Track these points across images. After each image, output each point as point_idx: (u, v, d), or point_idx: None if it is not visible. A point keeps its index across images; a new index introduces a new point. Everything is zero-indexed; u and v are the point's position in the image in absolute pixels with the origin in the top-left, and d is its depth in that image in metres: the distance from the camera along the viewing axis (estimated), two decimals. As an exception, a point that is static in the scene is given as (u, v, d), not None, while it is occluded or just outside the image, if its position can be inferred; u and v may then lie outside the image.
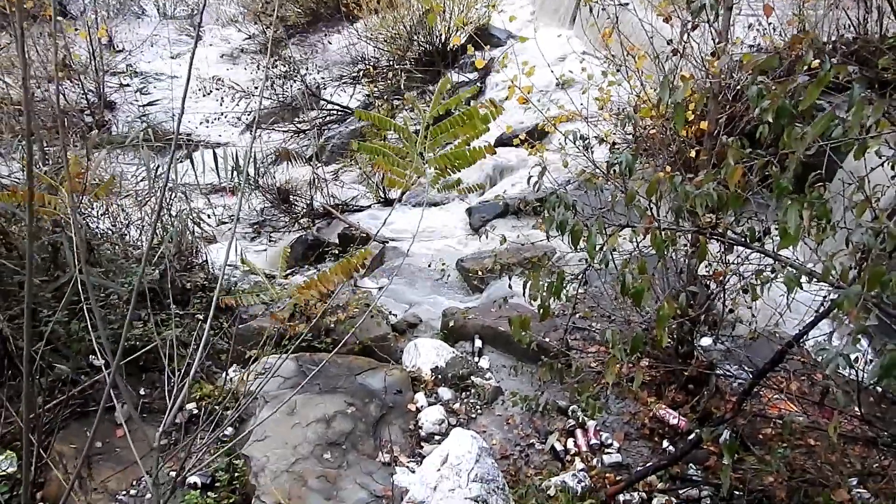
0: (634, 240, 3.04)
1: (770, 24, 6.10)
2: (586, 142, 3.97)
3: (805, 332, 3.31)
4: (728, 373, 4.28)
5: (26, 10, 10.53)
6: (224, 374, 4.77)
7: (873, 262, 2.28)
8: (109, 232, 6.16)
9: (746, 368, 4.15)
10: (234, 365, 5.02)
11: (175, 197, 6.50)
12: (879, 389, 4.01)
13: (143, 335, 4.70)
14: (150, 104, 11.46)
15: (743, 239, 3.07)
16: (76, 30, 11.37)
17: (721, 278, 3.90)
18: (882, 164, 2.74)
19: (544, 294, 2.98)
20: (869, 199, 2.42)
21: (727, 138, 2.38)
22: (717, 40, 3.63)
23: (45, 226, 5.13)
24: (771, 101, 2.45)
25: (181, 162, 8.90)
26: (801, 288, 2.64)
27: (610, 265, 2.86)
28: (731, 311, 4.10)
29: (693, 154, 4.25)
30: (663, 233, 3.07)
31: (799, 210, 2.39)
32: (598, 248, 2.92)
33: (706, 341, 4.05)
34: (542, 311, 2.93)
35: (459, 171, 3.35)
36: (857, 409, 3.42)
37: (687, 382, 4.42)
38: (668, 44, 3.91)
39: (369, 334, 5.14)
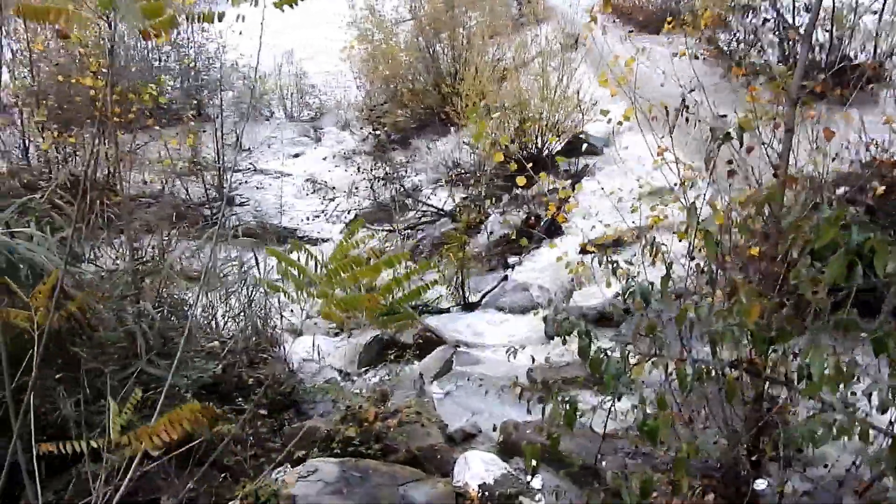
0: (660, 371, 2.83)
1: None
2: (665, 254, 3.82)
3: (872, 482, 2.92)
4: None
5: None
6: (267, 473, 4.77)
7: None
8: (196, 322, 6.48)
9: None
10: (286, 464, 5.03)
11: (258, 289, 6.74)
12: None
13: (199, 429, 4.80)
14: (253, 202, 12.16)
15: (788, 379, 2.79)
16: (204, 131, 12.40)
17: (783, 413, 3.54)
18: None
19: (559, 423, 2.81)
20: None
21: (740, 276, 2.20)
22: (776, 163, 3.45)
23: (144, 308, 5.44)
24: (795, 237, 2.26)
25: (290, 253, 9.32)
26: (858, 437, 2.34)
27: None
28: (799, 450, 3.69)
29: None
30: (695, 366, 2.85)
31: (824, 356, 2.15)
32: (617, 378, 2.75)
33: (761, 485, 3.65)
34: (551, 441, 2.75)
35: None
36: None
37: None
38: (727, 163, 3.74)
39: (420, 443, 5.01)
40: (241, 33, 13.18)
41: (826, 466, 4.06)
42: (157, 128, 9.36)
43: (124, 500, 4.44)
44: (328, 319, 7.32)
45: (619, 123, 4.57)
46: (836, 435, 2.14)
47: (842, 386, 2.31)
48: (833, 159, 6.01)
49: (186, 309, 6.50)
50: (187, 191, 11.55)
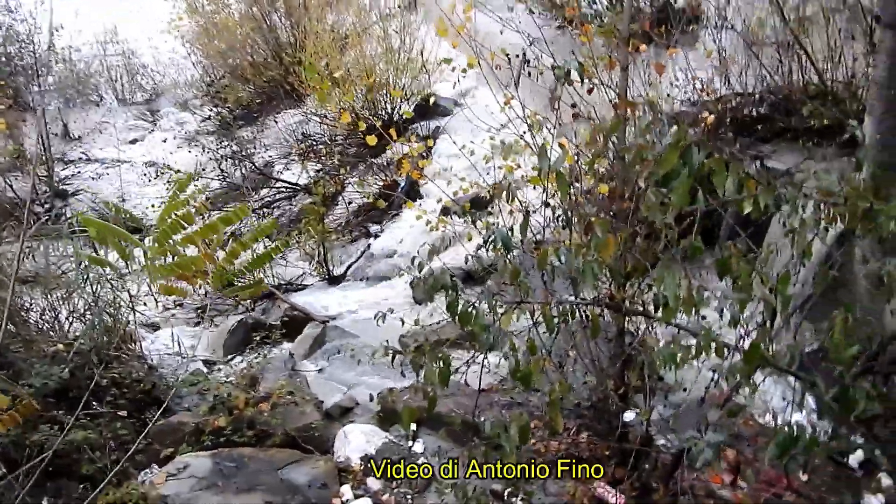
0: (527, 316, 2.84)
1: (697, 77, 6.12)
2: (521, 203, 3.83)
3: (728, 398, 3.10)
4: (667, 445, 4.04)
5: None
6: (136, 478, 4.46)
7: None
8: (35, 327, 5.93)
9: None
10: (153, 465, 4.73)
11: (103, 286, 6.24)
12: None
13: (47, 440, 4.39)
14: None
15: (643, 308, 2.89)
16: (24, 121, 11.32)
17: (644, 345, 3.70)
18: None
19: (434, 382, 2.76)
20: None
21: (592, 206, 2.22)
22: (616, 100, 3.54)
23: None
24: (642, 166, 2.30)
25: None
26: (714, 355, 2.44)
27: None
28: (660, 378, 3.90)
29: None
30: (560, 307, 2.88)
31: (677, 280, 2.21)
32: (487, 329, 2.73)
33: (629, 415, 3.81)
34: (429, 402, 2.71)
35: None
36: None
37: (625, 457, 4.17)
38: (571, 107, 3.80)
39: (295, 423, 4.86)
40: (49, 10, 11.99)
41: (685, 390, 4.30)
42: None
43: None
44: (169, 294, 6.88)
45: (464, 71, 4.54)
46: (694, 355, 2.23)
47: (694, 310, 2.41)
48: (666, 97, 6.33)
49: (24, 314, 5.96)
50: (11, 187, 10.52)
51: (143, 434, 4.81)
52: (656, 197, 2.07)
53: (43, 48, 14.35)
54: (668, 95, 6.26)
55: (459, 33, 3.86)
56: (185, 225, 3.17)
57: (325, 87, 4.69)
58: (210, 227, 3.35)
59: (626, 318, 3.55)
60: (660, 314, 2.73)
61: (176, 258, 4.02)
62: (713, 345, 2.18)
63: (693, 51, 7.20)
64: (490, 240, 2.66)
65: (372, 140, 5.28)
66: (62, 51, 14.69)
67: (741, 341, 2.51)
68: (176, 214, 3.86)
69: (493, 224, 3.32)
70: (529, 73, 5.78)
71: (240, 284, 7.02)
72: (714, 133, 4.70)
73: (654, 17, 4.16)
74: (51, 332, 5.85)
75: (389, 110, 10.13)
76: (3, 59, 14.12)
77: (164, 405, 5.21)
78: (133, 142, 13.87)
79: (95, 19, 16.12)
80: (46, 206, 11.03)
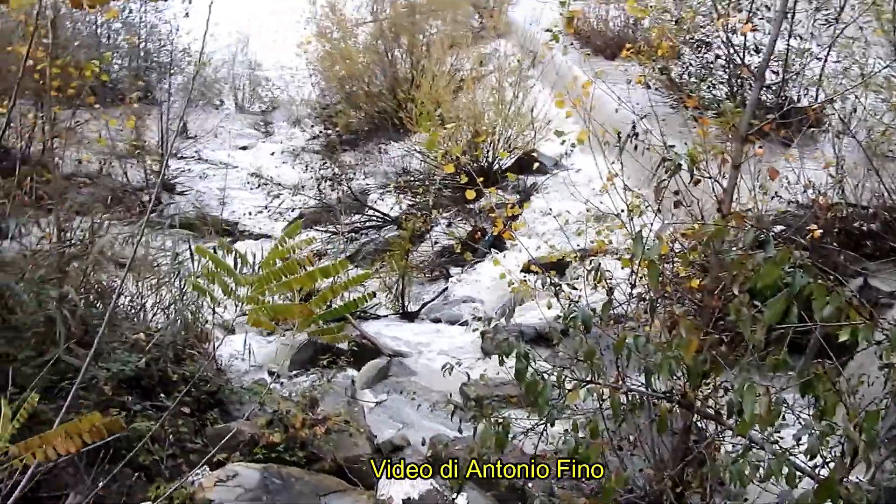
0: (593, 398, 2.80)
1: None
2: (609, 280, 3.81)
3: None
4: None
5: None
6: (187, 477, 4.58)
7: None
8: (123, 311, 6.20)
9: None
10: (205, 467, 4.84)
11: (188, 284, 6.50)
12: None
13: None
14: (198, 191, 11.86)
15: (715, 412, 2.81)
16: (149, 115, 12.04)
17: (710, 446, 3.57)
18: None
19: (489, 445, 2.75)
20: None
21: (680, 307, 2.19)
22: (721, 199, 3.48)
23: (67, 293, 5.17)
24: (737, 274, 2.26)
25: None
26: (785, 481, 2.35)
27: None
28: (721, 483, 3.73)
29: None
30: (629, 395, 2.84)
31: (757, 395, 2.15)
32: (550, 405, 2.72)
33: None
34: (486, 466, 2.70)
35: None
36: None
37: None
38: (674, 193, 3.77)
39: (346, 452, 4.90)
40: (186, 15, 12.75)
41: (746, 501, 4.11)
42: (98, 106, 8.98)
43: (25, 497, 4.22)
44: (257, 326, 7.05)
45: (573, 146, 4.57)
46: (763, 477, 2.14)
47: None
48: (773, 198, 6.17)
49: (114, 297, 6.25)
50: (126, 174, 11.16)
51: (201, 435, 4.98)
52: (747, 309, 2.03)
53: (179, 49, 15.31)
54: (777, 194, 6.11)
55: (575, 106, 3.90)
56: (288, 273, 3.36)
57: (435, 137, 4.80)
58: (309, 277, 3.49)
59: (696, 417, 3.45)
60: (732, 422, 2.65)
61: (273, 303, 4.21)
62: (786, 469, 2.09)
63: (809, 150, 7.03)
64: (571, 317, 2.65)
65: (471, 194, 5.37)
66: (196, 54, 15.64)
67: (818, 471, 2.40)
68: (282, 261, 4.01)
69: (576, 299, 3.30)
70: (636, 147, 5.77)
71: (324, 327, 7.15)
72: (818, 241, 4.54)
73: (775, 116, 4.08)
74: (135, 319, 6.12)
75: (490, 159, 10.26)
76: (143, 54, 15.13)
77: (223, 410, 5.39)
78: (243, 148, 14.56)
79: (232, 31, 17.15)
80: (153, 196, 11.64)
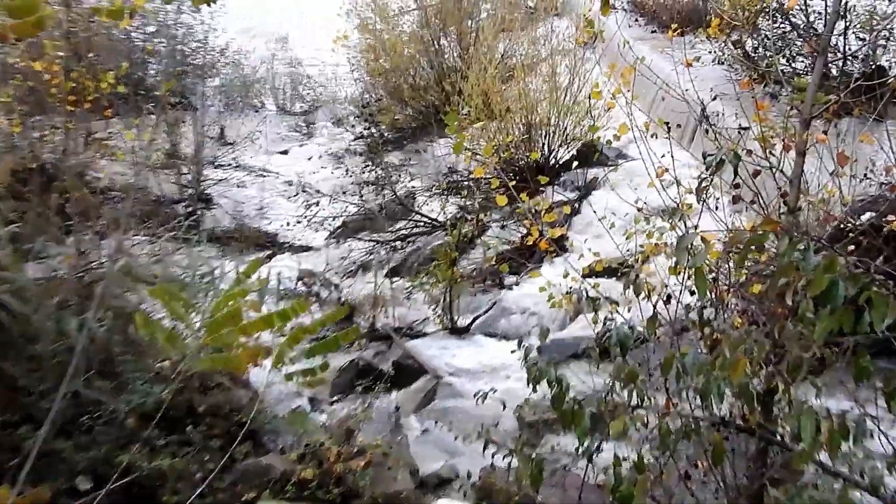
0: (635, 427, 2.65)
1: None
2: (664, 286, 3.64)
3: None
4: None
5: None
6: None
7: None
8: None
9: None
10: (234, 505, 4.85)
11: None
12: None
13: (138, 461, 4.62)
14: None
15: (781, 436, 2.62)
16: (184, 121, 12.28)
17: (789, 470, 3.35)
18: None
19: (524, 482, 2.65)
20: None
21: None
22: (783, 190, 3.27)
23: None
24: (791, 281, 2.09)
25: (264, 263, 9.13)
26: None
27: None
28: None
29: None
30: (681, 421, 2.68)
31: (815, 420, 1.99)
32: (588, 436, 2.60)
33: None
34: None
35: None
36: None
37: None
38: (734, 187, 3.57)
39: (385, 488, 4.84)
40: (217, 10, 12.92)
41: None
42: (116, 116, 9.20)
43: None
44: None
45: (616, 138, 4.39)
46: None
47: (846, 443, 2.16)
48: (862, 180, 5.81)
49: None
50: (160, 186, 11.40)
51: (227, 472, 4.98)
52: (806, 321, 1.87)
53: (216, 50, 15.59)
54: (865, 176, 5.76)
55: (615, 95, 3.73)
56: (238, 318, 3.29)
57: (463, 139, 4.69)
58: (264, 321, 3.40)
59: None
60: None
61: (221, 353, 4.11)
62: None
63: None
64: (605, 337, 2.52)
65: (524, 197, 5.25)
66: (232, 54, 15.92)
67: None
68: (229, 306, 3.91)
69: (611, 317, 3.14)
70: (707, 131, 5.53)
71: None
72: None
73: (853, 93, 3.78)
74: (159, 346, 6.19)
75: (546, 153, 10.08)
76: (178, 57, 15.45)
77: (256, 442, 5.38)
78: (284, 152, 14.71)
79: (269, 29, 17.44)
80: (189, 208, 11.85)
